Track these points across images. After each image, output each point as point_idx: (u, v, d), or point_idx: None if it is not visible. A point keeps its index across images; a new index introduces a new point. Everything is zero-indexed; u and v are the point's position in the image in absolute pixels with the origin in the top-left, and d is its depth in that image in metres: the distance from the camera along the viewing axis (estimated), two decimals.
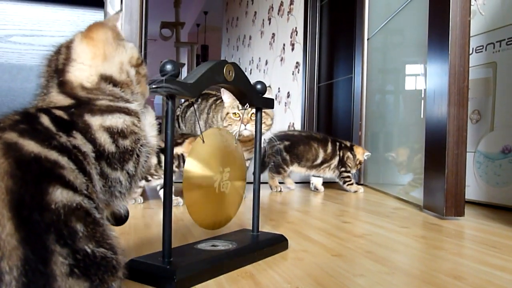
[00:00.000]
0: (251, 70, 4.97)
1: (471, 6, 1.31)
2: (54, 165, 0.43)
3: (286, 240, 0.90)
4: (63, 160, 0.44)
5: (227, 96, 1.54)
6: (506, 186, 1.52)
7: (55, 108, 0.50)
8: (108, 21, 0.59)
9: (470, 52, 1.46)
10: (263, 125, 1.45)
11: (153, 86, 0.63)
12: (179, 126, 1.86)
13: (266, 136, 1.77)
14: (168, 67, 0.64)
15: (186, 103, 1.90)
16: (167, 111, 0.66)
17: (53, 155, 0.43)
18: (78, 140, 0.48)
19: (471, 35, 1.32)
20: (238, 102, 1.42)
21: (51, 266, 0.38)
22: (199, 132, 1.70)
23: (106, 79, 0.55)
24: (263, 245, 0.83)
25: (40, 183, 0.40)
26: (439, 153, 1.32)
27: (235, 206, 0.90)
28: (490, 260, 0.85)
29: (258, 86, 0.86)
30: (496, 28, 1.62)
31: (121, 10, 0.62)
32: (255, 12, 4.79)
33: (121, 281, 0.45)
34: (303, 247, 0.92)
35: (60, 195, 0.41)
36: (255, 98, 0.85)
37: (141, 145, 0.54)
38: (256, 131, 0.89)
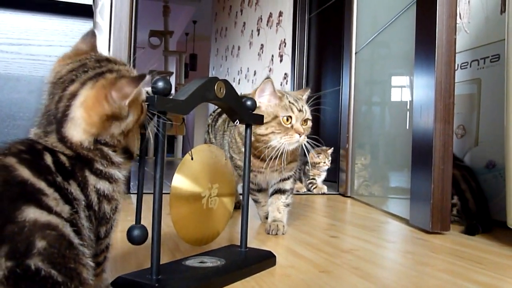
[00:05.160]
0: (239, 80, 4.98)
1: (456, 24, 1.34)
2: (37, 191, 0.46)
3: (274, 256, 0.89)
4: (49, 191, 0.47)
5: (269, 91, 1.11)
6: (491, 201, 1.54)
7: (59, 152, 0.53)
8: (120, 83, 0.52)
9: (456, 68, 1.49)
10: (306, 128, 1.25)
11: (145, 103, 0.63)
12: (208, 137, 1.62)
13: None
14: (160, 84, 0.64)
15: (219, 109, 1.55)
16: (158, 127, 0.66)
17: (41, 184, 0.47)
18: (72, 187, 0.51)
19: (456, 51, 1.34)
20: (290, 100, 1.19)
21: None
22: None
23: (101, 142, 0.55)
24: (251, 262, 0.83)
25: (15, 200, 0.44)
26: (425, 168, 1.33)
27: (223, 222, 0.90)
28: (475, 276, 0.86)
29: (248, 103, 0.86)
30: (480, 46, 1.65)
31: (152, 73, 0.63)
32: (244, 23, 4.82)
33: None
34: (290, 263, 0.92)
35: (32, 213, 0.44)
36: (245, 114, 0.85)
37: (116, 212, 0.59)
38: (245, 147, 0.89)
